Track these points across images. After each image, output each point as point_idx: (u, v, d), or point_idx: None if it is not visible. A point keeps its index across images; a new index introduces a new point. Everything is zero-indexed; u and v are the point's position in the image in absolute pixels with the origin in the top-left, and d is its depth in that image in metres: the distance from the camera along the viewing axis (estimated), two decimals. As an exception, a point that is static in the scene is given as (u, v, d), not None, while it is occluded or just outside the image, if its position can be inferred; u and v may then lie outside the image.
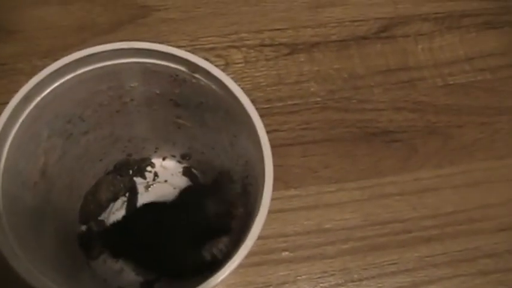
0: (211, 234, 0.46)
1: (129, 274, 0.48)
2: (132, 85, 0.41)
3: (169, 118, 0.45)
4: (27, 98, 0.36)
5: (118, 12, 0.60)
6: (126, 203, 0.51)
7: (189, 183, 0.52)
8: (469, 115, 0.58)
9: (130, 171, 0.51)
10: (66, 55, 0.37)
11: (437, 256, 0.52)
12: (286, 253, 0.51)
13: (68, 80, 0.38)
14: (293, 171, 0.54)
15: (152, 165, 0.52)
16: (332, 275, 0.50)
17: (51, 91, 0.37)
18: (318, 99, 0.57)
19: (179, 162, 0.52)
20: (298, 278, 0.50)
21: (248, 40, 0.59)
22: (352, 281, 0.50)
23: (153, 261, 0.46)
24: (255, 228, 0.33)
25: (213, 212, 0.47)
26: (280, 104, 0.56)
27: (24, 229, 0.37)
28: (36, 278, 0.33)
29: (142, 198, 0.51)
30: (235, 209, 0.45)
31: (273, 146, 0.36)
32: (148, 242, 0.46)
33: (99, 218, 0.50)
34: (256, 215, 0.34)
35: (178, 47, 0.56)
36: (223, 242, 0.44)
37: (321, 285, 0.50)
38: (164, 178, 0.52)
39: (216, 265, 0.43)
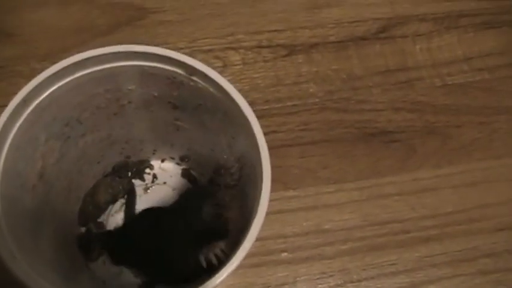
0: (209, 237, 0.46)
1: (128, 276, 0.48)
2: (129, 88, 0.41)
3: (168, 120, 0.45)
4: (25, 102, 0.36)
5: (116, 14, 0.60)
6: (124, 205, 0.51)
7: (188, 184, 0.52)
8: (467, 115, 0.58)
9: (129, 173, 0.51)
10: (65, 57, 0.37)
11: (437, 256, 0.52)
12: (285, 254, 0.51)
13: (65, 83, 0.38)
14: (292, 172, 0.54)
15: (151, 167, 0.52)
16: (331, 275, 0.50)
17: (49, 94, 0.37)
18: (317, 100, 0.57)
19: (178, 164, 0.52)
20: (298, 279, 0.50)
21: (246, 41, 0.59)
22: (351, 282, 0.50)
23: (152, 265, 0.46)
24: (253, 230, 0.33)
25: (210, 215, 0.47)
26: (279, 105, 0.56)
27: (22, 231, 0.37)
28: (34, 281, 0.33)
29: (141, 200, 0.51)
30: (232, 210, 0.45)
31: (272, 147, 0.36)
32: (146, 247, 0.47)
33: (98, 220, 0.50)
34: (254, 217, 0.34)
35: (176, 49, 0.57)
36: (220, 246, 0.44)
37: (320, 286, 0.50)
38: (163, 180, 0.52)
39: (214, 268, 0.44)
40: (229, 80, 0.38)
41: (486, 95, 0.59)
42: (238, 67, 0.58)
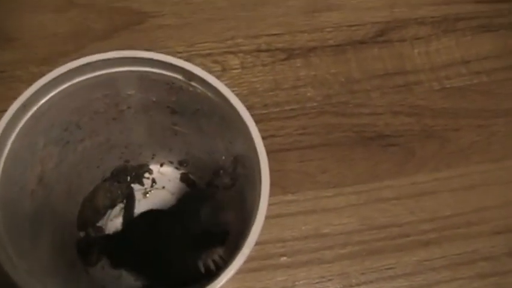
0: (208, 240, 0.46)
1: (127, 280, 0.48)
2: (128, 93, 0.41)
3: (166, 125, 0.45)
4: (24, 107, 0.36)
5: (114, 18, 0.60)
6: (123, 210, 0.51)
7: (187, 189, 0.52)
8: (465, 118, 0.58)
9: (128, 178, 0.51)
10: (64, 62, 0.37)
11: (436, 260, 0.52)
12: (284, 258, 0.51)
13: (64, 88, 0.38)
14: (290, 176, 0.54)
15: (150, 171, 0.52)
16: (330, 279, 0.50)
17: (48, 100, 0.37)
18: (315, 104, 0.57)
19: (177, 168, 0.52)
20: (297, 283, 0.50)
21: (244, 45, 0.60)
22: (351, 286, 0.50)
23: (151, 268, 0.47)
24: (252, 236, 0.33)
25: (208, 218, 0.47)
26: (277, 109, 0.57)
27: (21, 237, 0.37)
28: (33, 286, 0.33)
29: (140, 205, 0.51)
30: (231, 213, 0.45)
31: (270, 152, 0.36)
32: (145, 249, 0.47)
33: (97, 225, 0.50)
34: (253, 223, 0.34)
35: (175, 53, 0.57)
36: (218, 252, 0.45)
37: (319, 290, 0.50)
38: (162, 184, 0.52)
39: (212, 273, 0.44)
40: (227, 84, 0.38)
41: (484, 98, 0.59)
42: (237, 71, 0.58)
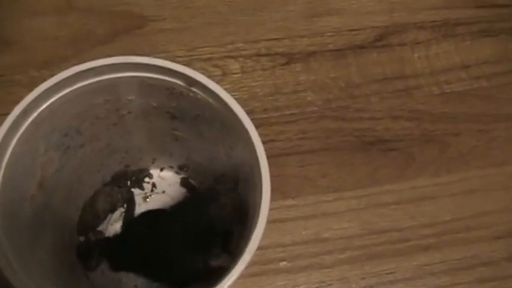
0: (210, 239, 0.46)
1: (128, 285, 0.48)
2: (129, 98, 0.41)
3: (167, 130, 0.45)
4: (25, 112, 0.36)
5: (115, 22, 0.60)
6: (123, 214, 0.51)
7: (187, 193, 0.52)
8: (465, 123, 0.58)
9: (128, 182, 0.51)
10: (64, 66, 0.37)
11: (436, 265, 0.52)
12: (284, 263, 0.51)
13: (65, 94, 0.38)
14: (290, 181, 0.54)
15: (150, 176, 0.52)
16: (330, 284, 0.50)
17: (48, 105, 0.37)
18: (315, 108, 0.57)
19: (177, 173, 0.52)
20: (296, 288, 0.50)
21: (245, 50, 0.60)
22: (350, 291, 0.50)
23: (152, 269, 0.47)
24: (252, 242, 0.33)
25: (209, 218, 0.48)
26: (277, 113, 0.57)
27: (21, 242, 0.37)
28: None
29: (141, 209, 0.51)
30: (231, 215, 0.46)
31: (270, 156, 0.36)
32: (145, 250, 0.47)
33: (97, 229, 0.50)
34: (254, 229, 0.34)
35: (176, 57, 0.57)
36: (219, 253, 0.45)
37: (319, 295, 0.50)
38: (162, 189, 0.52)
39: (213, 270, 0.44)
40: (228, 89, 0.38)
41: (484, 103, 0.59)
42: (237, 75, 0.58)
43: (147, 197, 0.51)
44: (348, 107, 0.58)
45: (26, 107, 0.36)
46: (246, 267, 0.33)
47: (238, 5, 0.62)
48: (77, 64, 0.37)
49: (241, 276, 0.33)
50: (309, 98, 0.58)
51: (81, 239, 0.49)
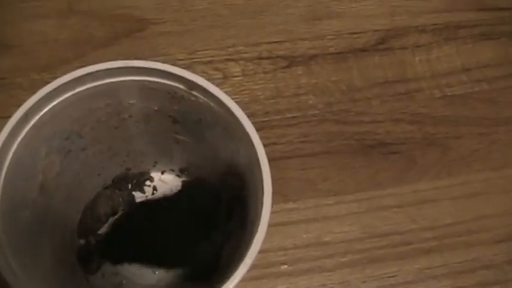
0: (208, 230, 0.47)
1: (128, 288, 0.48)
2: (130, 102, 0.41)
3: (168, 134, 0.45)
4: (26, 116, 0.36)
5: (115, 25, 0.60)
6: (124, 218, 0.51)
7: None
8: (466, 126, 0.58)
9: (129, 186, 0.51)
10: (65, 69, 0.38)
11: (437, 268, 0.52)
12: (285, 266, 0.51)
13: (66, 98, 0.38)
14: (292, 184, 0.54)
15: (151, 179, 0.52)
16: (331, 288, 0.50)
17: (49, 109, 0.37)
18: (316, 111, 0.57)
19: (178, 176, 0.52)
20: (297, 291, 0.50)
21: (246, 53, 0.60)
22: (352, 294, 0.50)
23: (152, 259, 0.47)
24: (254, 246, 0.33)
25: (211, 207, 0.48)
26: (279, 116, 0.57)
27: (22, 246, 0.37)
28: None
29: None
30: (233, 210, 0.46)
31: (272, 159, 0.36)
32: (145, 241, 0.48)
33: (98, 232, 0.50)
34: (256, 233, 0.34)
35: (176, 60, 0.57)
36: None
37: (320, 298, 0.50)
38: (163, 192, 0.52)
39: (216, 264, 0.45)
40: (229, 92, 0.38)
41: (485, 106, 0.59)
42: (238, 79, 0.58)
43: (148, 200, 0.51)
44: (349, 110, 0.57)
45: (27, 110, 0.36)
46: (248, 271, 0.33)
47: (239, 8, 0.62)
48: (78, 67, 0.37)
49: (242, 279, 0.33)
50: (310, 101, 0.58)
51: (82, 242, 0.49)
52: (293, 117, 0.57)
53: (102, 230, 0.50)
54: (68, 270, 0.47)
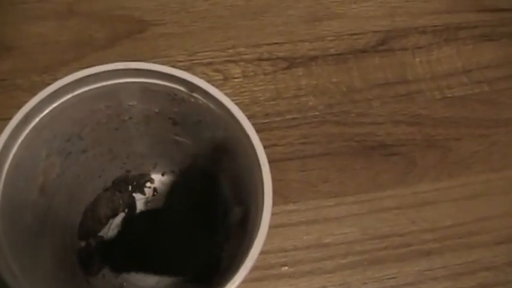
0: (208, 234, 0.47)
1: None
2: (130, 104, 0.41)
3: (168, 135, 0.45)
4: (26, 118, 0.36)
5: (115, 27, 0.60)
6: (123, 220, 0.51)
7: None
8: (467, 128, 0.58)
9: (130, 187, 0.51)
10: (65, 70, 0.38)
11: (437, 270, 0.52)
12: (286, 268, 0.51)
13: (66, 100, 0.38)
14: (292, 185, 0.54)
15: (151, 180, 0.52)
16: (331, 289, 0.50)
17: (49, 111, 0.37)
18: (317, 113, 0.57)
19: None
20: (298, 293, 0.50)
21: (246, 54, 0.59)
22: (352, 296, 0.50)
23: (153, 265, 0.48)
24: (254, 248, 0.33)
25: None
26: (279, 118, 0.57)
27: (22, 247, 0.37)
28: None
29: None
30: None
31: (272, 161, 0.36)
32: (147, 247, 0.48)
33: (99, 234, 0.50)
34: (256, 235, 0.34)
35: (176, 61, 0.57)
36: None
37: (321, 300, 0.50)
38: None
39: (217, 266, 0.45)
40: (229, 94, 0.38)
41: (485, 108, 0.59)
42: (238, 80, 0.58)
43: (149, 202, 0.51)
44: (350, 112, 0.57)
45: (28, 112, 0.36)
46: (248, 272, 0.33)
47: (239, 9, 0.62)
48: (78, 68, 0.37)
49: (243, 281, 0.33)
50: (310, 103, 0.58)
51: (82, 244, 0.49)
52: (293, 118, 0.57)
53: (103, 232, 0.50)
54: (69, 272, 0.47)
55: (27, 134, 0.37)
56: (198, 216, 0.50)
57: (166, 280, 0.48)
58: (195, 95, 0.38)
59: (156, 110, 0.42)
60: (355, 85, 0.59)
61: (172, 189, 0.52)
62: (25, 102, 0.36)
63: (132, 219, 0.51)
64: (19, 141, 0.37)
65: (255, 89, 0.58)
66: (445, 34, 0.63)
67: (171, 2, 0.62)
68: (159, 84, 0.38)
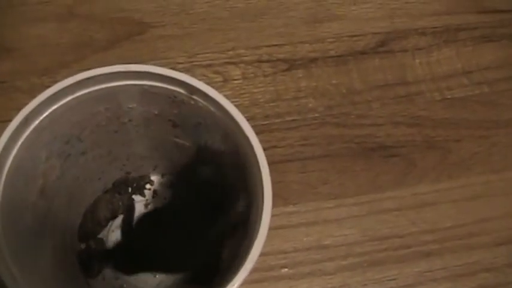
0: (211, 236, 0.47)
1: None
2: (130, 106, 0.41)
3: (168, 137, 0.45)
4: (26, 121, 0.36)
5: (115, 29, 0.60)
6: (122, 222, 0.51)
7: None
8: (467, 129, 0.58)
9: (130, 189, 0.51)
10: (64, 72, 0.38)
11: (437, 271, 0.52)
12: (286, 270, 0.51)
13: (66, 102, 0.38)
14: (292, 187, 0.54)
15: (151, 182, 0.52)
16: (331, 291, 0.50)
17: (49, 113, 0.37)
18: (316, 115, 0.57)
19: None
20: (298, 295, 0.50)
21: (246, 56, 0.60)
22: (352, 298, 0.50)
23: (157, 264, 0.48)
24: (254, 250, 0.33)
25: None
26: (279, 120, 0.57)
27: (22, 249, 0.37)
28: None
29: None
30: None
31: (272, 163, 0.36)
32: (146, 249, 0.48)
33: (98, 236, 0.50)
34: (256, 237, 0.34)
35: (176, 63, 0.57)
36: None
37: (321, 302, 0.50)
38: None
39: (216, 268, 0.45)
40: (229, 95, 0.38)
41: (485, 109, 0.59)
42: (238, 82, 0.58)
43: (148, 204, 0.51)
44: (349, 113, 0.57)
45: (27, 115, 0.36)
46: (248, 274, 0.33)
47: (239, 11, 0.62)
48: (78, 70, 0.37)
49: (243, 282, 0.33)
50: (310, 105, 0.58)
51: (82, 246, 0.49)
52: (293, 120, 0.57)
53: (103, 234, 0.50)
54: (68, 273, 0.47)
55: (27, 136, 0.37)
56: (197, 218, 0.50)
57: (166, 282, 0.48)
58: (194, 97, 0.38)
59: (156, 112, 0.42)
60: (355, 87, 0.59)
61: (172, 191, 0.52)
62: (25, 104, 0.36)
63: (132, 221, 0.51)
64: (19, 143, 0.37)
65: (255, 90, 0.58)
66: (445, 35, 0.63)
67: (170, 4, 0.62)
68: (159, 86, 0.38)
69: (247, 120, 0.37)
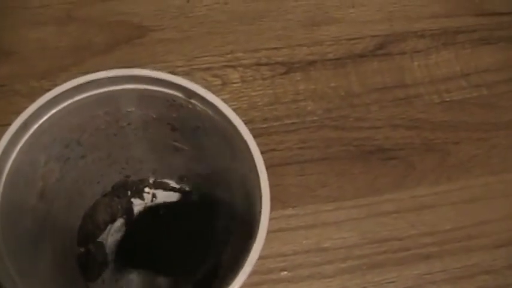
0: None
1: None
2: (129, 110, 0.41)
3: (167, 141, 0.45)
4: (25, 125, 0.36)
5: (114, 32, 0.60)
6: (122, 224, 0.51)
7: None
8: (465, 131, 0.58)
9: (129, 193, 0.52)
10: (63, 76, 0.38)
11: (436, 273, 0.52)
12: (285, 273, 0.51)
13: (65, 106, 0.38)
14: (291, 190, 0.54)
15: (150, 186, 0.52)
16: (331, 294, 0.50)
17: (48, 117, 0.37)
18: (315, 118, 0.57)
19: (177, 183, 0.52)
20: (297, 297, 0.50)
21: (244, 59, 0.60)
22: (351, 300, 0.50)
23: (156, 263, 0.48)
24: (253, 253, 0.33)
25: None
26: (277, 123, 0.57)
27: (21, 253, 0.37)
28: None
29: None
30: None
31: (271, 166, 0.36)
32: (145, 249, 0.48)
33: (98, 240, 0.50)
34: (255, 241, 0.34)
35: (175, 67, 0.57)
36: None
37: (320, 304, 0.50)
38: (162, 199, 0.52)
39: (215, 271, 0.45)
40: (228, 99, 0.38)
41: (484, 111, 0.59)
42: (236, 85, 0.58)
43: (148, 207, 0.51)
44: (348, 116, 0.58)
45: (27, 118, 0.36)
46: (247, 277, 0.33)
47: (237, 14, 0.62)
48: (77, 74, 0.37)
49: (242, 285, 0.33)
50: (308, 107, 0.58)
51: (82, 249, 0.49)
52: (292, 123, 0.57)
53: (102, 237, 0.50)
54: (68, 277, 0.47)
55: (26, 140, 0.37)
56: (197, 221, 0.50)
57: (165, 286, 0.48)
58: (193, 101, 0.38)
59: (154, 116, 0.42)
60: (353, 89, 0.59)
61: (171, 194, 0.52)
62: (24, 108, 0.36)
63: (131, 224, 0.51)
64: (18, 147, 0.37)
65: (254, 93, 0.58)
66: (443, 38, 0.63)
67: (169, 7, 0.62)
68: (157, 90, 0.38)
69: (246, 123, 0.37)
